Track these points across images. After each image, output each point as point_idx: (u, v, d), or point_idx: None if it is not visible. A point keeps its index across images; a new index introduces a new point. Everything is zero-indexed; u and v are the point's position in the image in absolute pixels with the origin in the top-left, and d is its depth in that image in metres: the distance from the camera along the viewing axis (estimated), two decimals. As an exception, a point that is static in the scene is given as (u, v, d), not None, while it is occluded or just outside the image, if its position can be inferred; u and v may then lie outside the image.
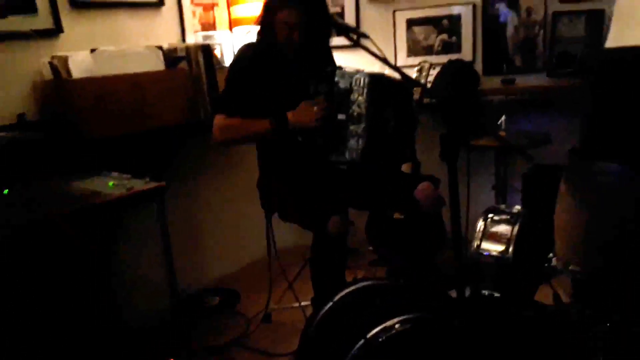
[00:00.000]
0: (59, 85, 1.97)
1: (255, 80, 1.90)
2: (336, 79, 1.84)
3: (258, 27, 1.96)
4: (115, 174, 1.91)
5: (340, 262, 1.92)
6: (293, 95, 1.88)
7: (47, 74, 2.00)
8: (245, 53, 1.97)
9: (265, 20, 1.89)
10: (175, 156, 2.50)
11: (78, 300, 1.89)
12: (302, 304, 2.17)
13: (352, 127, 1.82)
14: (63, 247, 1.79)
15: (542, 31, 2.80)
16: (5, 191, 1.71)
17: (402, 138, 1.98)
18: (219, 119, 1.92)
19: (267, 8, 1.89)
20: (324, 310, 1.55)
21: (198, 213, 2.75)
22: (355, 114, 1.81)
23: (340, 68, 1.89)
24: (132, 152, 2.09)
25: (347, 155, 1.84)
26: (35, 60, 2.03)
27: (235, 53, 2.01)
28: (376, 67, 2.04)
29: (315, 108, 1.83)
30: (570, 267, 1.72)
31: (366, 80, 1.80)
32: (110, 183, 1.77)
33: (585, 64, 2.65)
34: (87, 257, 1.94)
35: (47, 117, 2.03)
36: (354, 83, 1.81)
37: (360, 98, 1.80)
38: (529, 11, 2.81)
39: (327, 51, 2.08)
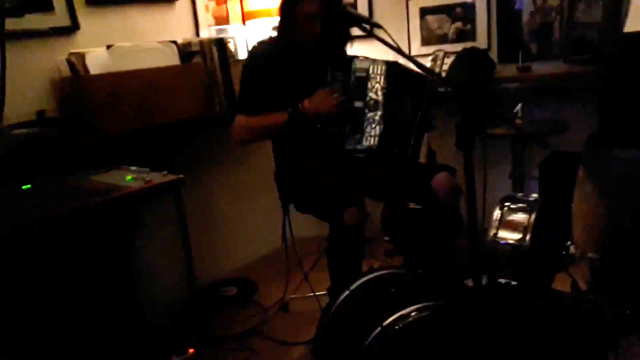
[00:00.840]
0: (76, 82, 2.00)
1: (271, 76, 1.90)
2: (353, 67, 1.84)
3: (277, 23, 1.96)
4: (133, 167, 1.94)
5: (356, 253, 1.93)
6: (310, 86, 1.88)
7: (65, 70, 2.04)
8: (258, 51, 1.97)
9: (286, 15, 1.90)
10: (191, 149, 2.52)
11: (99, 294, 1.93)
12: (318, 293, 2.18)
13: (369, 115, 1.83)
14: (83, 241, 1.82)
15: (558, 17, 2.76)
16: (27, 186, 1.75)
17: (418, 128, 1.96)
18: (238, 119, 1.94)
19: (287, 2, 1.89)
20: (340, 299, 1.57)
21: (215, 205, 2.78)
22: (372, 101, 1.82)
23: (356, 57, 1.89)
24: (150, 146, 2.11)
25: (364, 142, 1.85)
26: (52, 58, 2.07)
27: (248, 52, 2.02)
28: (390, 57, 2.04)
29: (332, 95, 1.83)
30: (588, 255, 1.71)
31: (383, 67, 1.81)
32: (129, 177, 1.80)
33: (603, 50, 2.60)
34: (108, 251, 1.98)
35: (66, 114, 2.06)
36: (370, 71, 1.82)
37: (377, 85, 1.82)
38: (544, -3, 2.77)
39: (344, 44, 2.07)
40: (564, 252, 1.81)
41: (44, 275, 1.71)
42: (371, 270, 1.68)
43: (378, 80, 1.81)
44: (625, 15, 2.53)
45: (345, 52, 2.08)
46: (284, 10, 1.92)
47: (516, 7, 2.82)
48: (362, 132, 1.84)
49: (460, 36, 2.94)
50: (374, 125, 1.83)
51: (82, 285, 1.85)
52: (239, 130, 1.95)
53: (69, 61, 2.01)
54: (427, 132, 1.98)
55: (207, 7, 2.70)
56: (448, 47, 2.77)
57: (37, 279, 1.69)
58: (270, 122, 1.91)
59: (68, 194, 1.72)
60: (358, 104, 1.84)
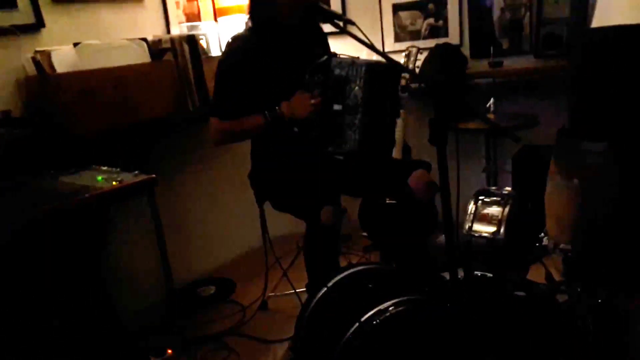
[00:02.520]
0: (43, 81, 1.94)
1: (247, 74, 1.84)
2: (332, 67, 1.78)
3: (249, 11, 1.90)
4: (104, 168, 1.90)
5: (333, 251, 1.93)
6: (288, 85, 1.84)
7: (31, 69, 1.98)
8: (233, 48, 1.90)
9: None
10: (164, 148, 2.48)
11: (70, 298, 1.88)
12: (298, 290, 2.18)
13: (348, 118, 1.77)
14: (54, 245, 1.78)
15: (528, 13, 2.81)
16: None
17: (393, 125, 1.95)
18: (214, 122, 1.89)
19: None
20: (318, 296, 1.56)
21: (190, 204, 2.74)
22: (351, 104, 1.75)
23: (335, 55, 1.84)
24: (121, 146, 2.07)
25: (343, 146, 1.80)
26: (17, 56, 2.00)
27: (224, 49, 1.94)
28: (364, 53, 2.04)
29: (311, 101, 1.79)
30: (561, 246, 1.75)
31: (363, 70, 1.73)
32: (99, 177, 1.76)
33: (572, 45, 2.66)
34: (78, 255, 1.93)
35: (33, 113, 2.01)
36: (350, 73, 1.75)
37: (357, 89, 1.74)
38: (514, -7, 2.81)
39: (322, 34, 2.05)
40: (537, 244, 1.84)
41: (13, 278, 1.66)
42: (349, 267, 1.68)
43: (358, 82, 1.73)
44: (592, 11, 2.59)
45: (327, 47, 2.06)
46: None
47: (487, 3, 2.85)
48: (341, 135, 1.79)
49: (433, 32, 2.96)
50: (353, 129, 1.76)
51: (53, 288, 1.81)
52: (214, 133, 1.91)
53: (34, 60, 1.95)
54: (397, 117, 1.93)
55: (177, 4, 2.66)
56: (421, 44, 2.79)
57: (5, 282, 1.64)
58: (246, 127, 1.87)
59: (37, 196, 1.68)
60: (337, 107, 1.78)
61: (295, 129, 1.87)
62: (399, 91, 1.86)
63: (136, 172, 1.80)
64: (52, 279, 1.81)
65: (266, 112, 1.84)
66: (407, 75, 2.18)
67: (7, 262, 1.61)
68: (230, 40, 1.93)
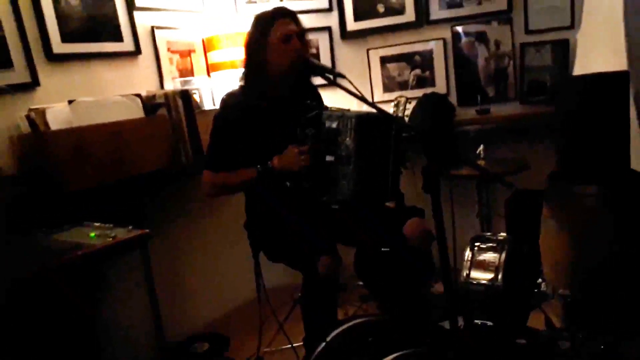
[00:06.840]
0: (36, 138, 1.95)
1: (242, 130, 1.89)
2: (323, 120, 1.82)
3: (243, 69, 1.96)
4: (96, 224, 1.88)
5: (331, 303, 1.89)
6: (281, 140, 1.86)
7: (25, 127, 1.99)
8: (228, 104, 1.96)
9: (257, 50, 1.88)
10: (157, 202, 2.47)
11: (61, 355, 1.82)
12: (295, 345, 2.12)
13: (341, 168, 1.79)
14: (45, 303, 1.73)
15: (511, 62, 2.91)
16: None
17: (392, 175, 1.97)
18: (206, 175, 1.93)
19: (258, 33, 1.88)
20: (317, 351, 1.52)
21: (183, 258, 2.70)
22: (344, 154, 1.77)
23: (327, 109, 1.88)
24: (114, 201, 2.06)
25: (338, 196, 1.81)
26: (12, 115, 2.01)
27: (219, 105, 2.00)
28: (354, 104, 2.08)
29: (301, 156, 1.82)
30: (559, 291, 1.73)
31: (353, 121, 1.76)
32: (92, 234, 1.74)
33: (556, 92, 2.74)
34: (70, 313, 1.88)
35: (26, 171, 2.00)
36: (341, 124, 1.78)
37: (348, 139, 1.76)
38: (497, 44, 2.92)
39: (313, 87, 2.10)
40: (536, 290, 1.83)
41: (3, 337, 1.61)
42: (347, 319, 1.64)
43: (349, 134, 1.76)
44: (574, 59, 2.70)
45: (319, 99, 2.11)
46: (253, 41, 1.90)
47: (471, 53, 2.96)
48: (335, 185, 1.80)
49: (420, 82, 3.05)
50: (347, 179, 1.77)
51: (44, 346, 1.75)
52: (205, 186, 1.95)
53: (28, 117, 1.97)
54: (403, 167, 1.95)
55: (171, 60, 2.72)
56: (409, 93, 2.86)
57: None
58: (238, 180, 1.91)
59: (30, 254, 1.65)
60: (329, 158, 1.80)
61: (287, 183, 1.88)
62: (400, 142, 1.87)
63: (130, 227, 1.79)
64: (43, 337, 1.75)
65: (258, 165, 1.86)
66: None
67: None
68: (225, 97, 1.99)
